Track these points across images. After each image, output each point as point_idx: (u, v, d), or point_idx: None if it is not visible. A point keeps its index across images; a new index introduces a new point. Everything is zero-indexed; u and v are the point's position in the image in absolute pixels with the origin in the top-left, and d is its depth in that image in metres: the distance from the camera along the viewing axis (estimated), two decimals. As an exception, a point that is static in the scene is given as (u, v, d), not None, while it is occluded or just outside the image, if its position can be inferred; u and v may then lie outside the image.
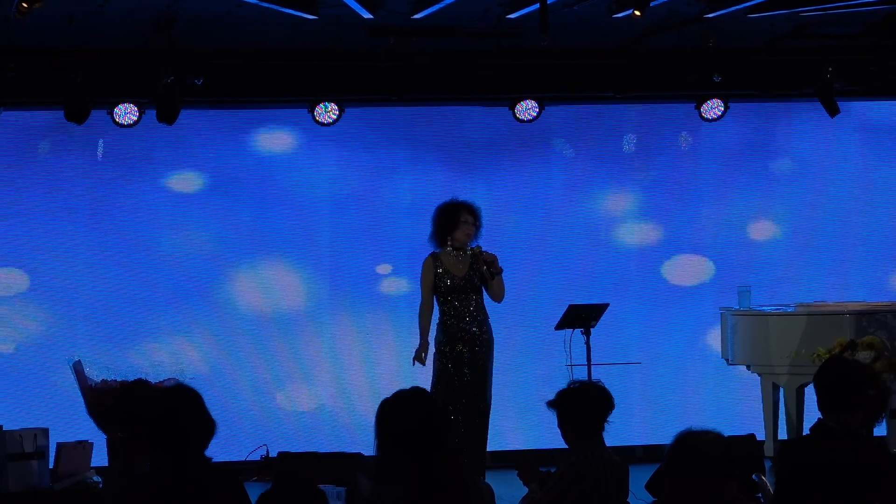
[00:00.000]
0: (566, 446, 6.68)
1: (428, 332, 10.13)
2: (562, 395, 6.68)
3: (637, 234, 12.38)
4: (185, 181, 11.89)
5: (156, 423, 5.22)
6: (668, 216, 12.40)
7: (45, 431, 10.08)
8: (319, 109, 11.55)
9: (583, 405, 6.58)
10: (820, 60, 11.85)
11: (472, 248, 10.30)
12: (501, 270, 10.32)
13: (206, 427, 5.24)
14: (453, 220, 10.40)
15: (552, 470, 6.79)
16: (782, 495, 5.81)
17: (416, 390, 5.76)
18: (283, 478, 8.82)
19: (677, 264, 12.41)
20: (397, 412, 5.54)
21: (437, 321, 10.40)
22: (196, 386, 5.48)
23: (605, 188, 12.34)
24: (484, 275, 10.30)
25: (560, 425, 6.61)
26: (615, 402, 6.63)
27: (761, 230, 12.49)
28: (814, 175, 12.58)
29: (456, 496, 5.44)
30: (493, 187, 12.06)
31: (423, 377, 10.63)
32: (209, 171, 11.92)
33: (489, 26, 11.03)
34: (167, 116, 11.00)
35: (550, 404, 6.65)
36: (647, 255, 12.38)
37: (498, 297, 10.39)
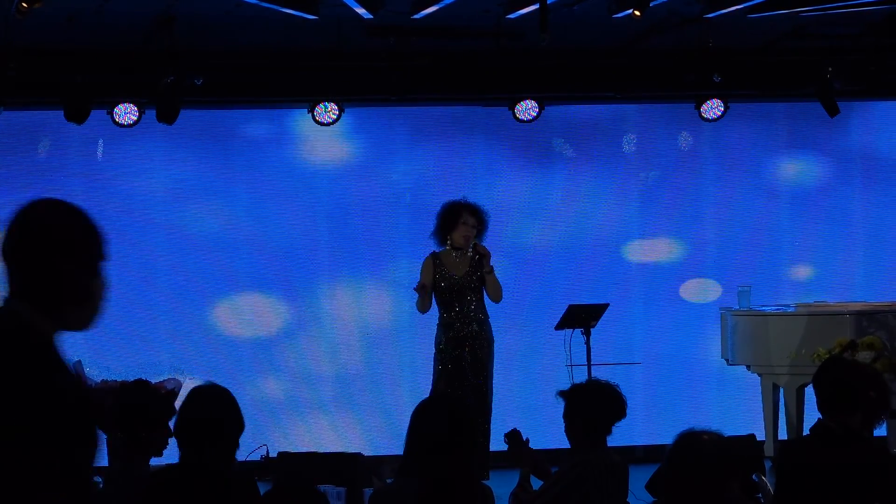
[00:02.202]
0: (568, 445, 6.65)
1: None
2: (576, 388, 6.62)
3: (637, 233, 12.37)
4: (185, 181, 11.89)
5: (193, 422, 5.31)
6: (668, 216, 12.40)
7: (46, 431, 10.06)
8: (319, 109, 11.54)
9: (593, 405, 6.51)
10: (820, 60, 11.84)
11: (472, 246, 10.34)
12: (491, 270, 10.32)
13: (238, 426, 5.35)
14: (453, 220, 10.41)
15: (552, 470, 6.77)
16: (782, 495, 5.81)
17: (453, 396, 5.79)
18: (284, 478, 8.81)
19: (678, 264, 12.41)
20: (434, 414, 5.57)
21: (438, 321, 10.41)
22: (195, 385, 5.54)
23: (604, 188, 12.34)
24: (483, 274, 10.31)
25: (565, 418, 6.54)
26: (625, 409, 6.54)
27: (762, 229, 12.49)
28: (814, 175, 12.58)
29: (466, 495, 5.47)
30: (493, 187, 12.06)
31: (425, 376, 10.64)
32: (209, 171, 11.92)
33: (489, 26, 11.03)
34: (167, 116, 11.00)
35: (562, 394, 6.59)
36: (648, 255, 12.38)
37: (494, 296, 10.39)
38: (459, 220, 10.40)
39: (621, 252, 12.34)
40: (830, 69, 11.78)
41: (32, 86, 11.02)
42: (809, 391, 8.40)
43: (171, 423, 6.06)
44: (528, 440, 6.83)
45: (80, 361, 10.18)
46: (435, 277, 10.35)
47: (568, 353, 10.80)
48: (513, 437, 6.79)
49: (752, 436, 9.77)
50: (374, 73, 11.47)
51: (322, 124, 11.61)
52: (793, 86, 12.10)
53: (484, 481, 6.89)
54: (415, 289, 10.31)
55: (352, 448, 10.33)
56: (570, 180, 12.33)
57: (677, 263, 12.41)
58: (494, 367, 10.47)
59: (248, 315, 11.95)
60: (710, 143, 12.47)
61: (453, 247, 10.42)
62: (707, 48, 11.52)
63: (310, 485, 5.00)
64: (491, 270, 10.33)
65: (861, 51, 11.92)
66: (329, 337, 12.04)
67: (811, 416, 6.60)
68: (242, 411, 5.55)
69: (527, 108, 11.80)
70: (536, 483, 6.77)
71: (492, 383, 10.41)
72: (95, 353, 11.13)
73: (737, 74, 11.82)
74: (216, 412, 5.35)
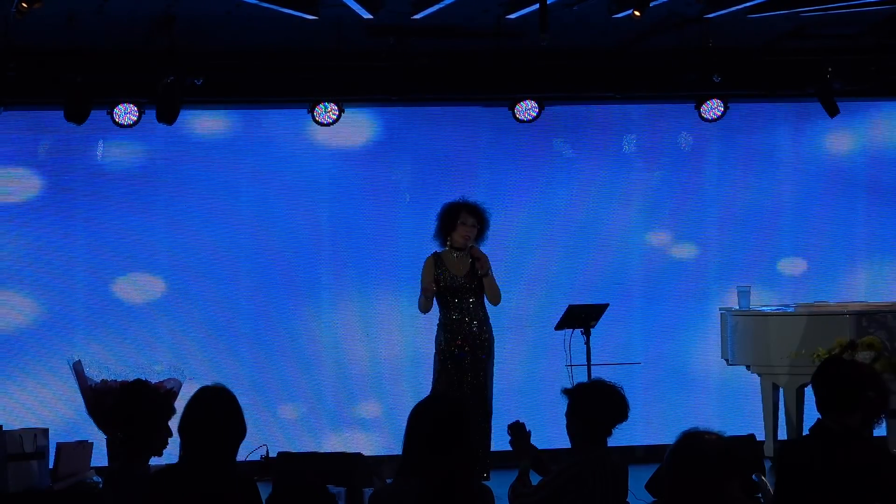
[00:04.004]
0: (569, 445, 6.65)
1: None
2: (579, 388, 6.64)
3: (637, 233, 12.37)
4: (184, 180, 11.89)
5: (194, 418, 5.33)
6: (668, 216, 12.40)
7: (45, 431, 10.08)
8: (319, 109, 11.54)
9: (595, 405, 6.52)
10: (820, 60, 11.85)
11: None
12: (487, 272, 10.31)
13: (240, 430, 5.34)
14: (452, 221, 10.41)
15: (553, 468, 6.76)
16: (782, 495, 5.81)
17: (449, 396, 5.79)
18: (284, 478, 8.81)
19: (678, 263, 12.41)
20: (431, 414, 5.59)
21: (438, 321, 10.42)
22: (195, 385, 5.55)
23: (604, 188, 12.34)
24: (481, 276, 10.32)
25: (567, 416, 6.56)
26: (627, 412, 6.55)
27: (762, 229, 12.49)
28: (814, 175, 12.59)
29: (465, 495, 5.49)
30: (493, 188, 12.05)
31: (425, 376, 10.65)
32: (208, 170, 11.92)
33: (489, 26, 11.04)
34: (167, 116, 11.01)
35: (566, 392, 6.61)
36: (648, 255, 12.38)
37: (492, 299, 10.39)
38: (458, 221, 10.40)
39: (621, 252, 12.33)
40: (830, 69, 11.78)
41: (32, 86, 11.02)
42: (809, 391, 8.41)
43: (172, 423, 6.07)
44: (529, 433, 6.83)
45: (80, 361, 10.19)
46: (436, 277, 10.35)
47: (568, 353, 10.80)
48: (516, 429, 6.79)
49: (752, 436, 9.78)
50: (374, 73, 11.46)
51: (322, 124, 11.61)
52: (793, 86, 12.10)
53: (484, 481, 6.91)
54: (423, 292, 10.32)
55: (352, 448, 10.34)
56: (569, 180, 12.32)
57: (677, 263, 12.40)
58: (495, 367, 10.47)
59: (249, 314, 11.95)
60: (710, 143, 12.47)
61: (453, 247, 10.42)
62: (707, 48, 11.52)
63: (321, 485, 5.02)
64: (487, 273, 10.33)
65: (861, 51, 11.92)
66: (330, 337, 12.04)
67: (811, 416, 6.59)
68: (244, 411, 5.56)
69: (527, 108, 11.80)
70: (535, 478, 6.78)
71: (492, 383, 10.41)
72: (95, 353, 11.14)
73: (737, 74, 11.82)
74: (219, 414, 5.37)
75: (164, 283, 11.84)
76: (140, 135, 11.59)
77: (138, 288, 11.79)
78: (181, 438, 5.45)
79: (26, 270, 11.69)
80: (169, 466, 5.49)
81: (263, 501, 5.49)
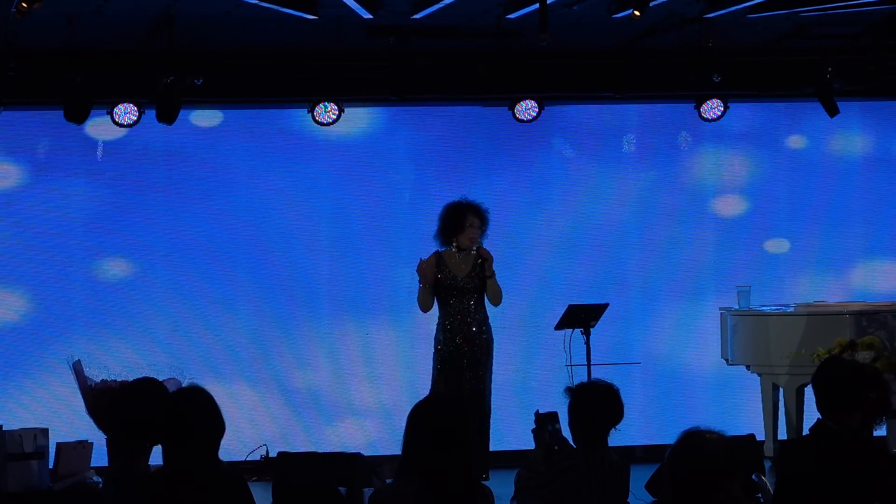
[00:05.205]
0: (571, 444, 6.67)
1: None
2: (579, 387, 6.67)
3: (636, 233, 12.37)
4: (184, 180, 11.89)
5: (171, 421, 5.32)
6: (667, 215, 12.40)
7: (45, 431, 10.08)
8: (319, 109, 11.55)
9: (591, 406, 6.55)
10: (820, 60, 11.85)
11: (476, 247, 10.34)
12: (492, 274, 10.31)
13: (218, 428, 5.32)
14: (459, 223, 10.41)
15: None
16: (782, 495, 5.82)
17: (448, 396, 5.79)
18: (284, 478, 8.81)
19: (677, 263, 12.41)
20: (430, 413, 5.60)
21: (437, 321, 10.41)
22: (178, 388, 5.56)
23: (604, 188, 12.34)
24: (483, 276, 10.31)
25: (568, 414, 6.60)
26: (623, 413, 6.57)
27: (761, 229, 12.50)
28: (813, 174, 12.58)
29: (465, 495, 5.49)
30: (493, 187, 12.05)
31: (424, 377, 10.64)
32: (207, 170, 11.92)
33: (489, 26, 11.04)
34: (167, 116, 11.01)
35: (568, 390, 6.64)
36: (647, 254, 12.38)
37: (494, 300, 10.39)
38: (465, 223, 10.40)
39: (621, 252, 12.33)
40: (830, 69, 11.79)
41: (32, 86, 11.03)
42: (809, 391, 8.41)
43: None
44: (558, 429, 6.82)
45: (80, 361, 10.19)
46: (437, 277, 10.34)
47: (568, 353, 10.80)
48: (541, 418, 6.80)
49: (752, 436, 9.78)
50: (374, 73, 11.47)
51: (322, 124, 11.61)
52: (793, 86, 12.10)
53: (484, 481, 6.91)
54: (421, 277, 10.33)
55: (352, 448, 10.33)
56: (569, 180, 12.33)
57: (677, 263, 12.40)
58: (494, 368, 10.47)
59: (247, 314, 11.95)
60: (710, 143, 12.47)
61: (458, 248, 10.42)
62: (707, 48, 11.52)
63: (332, 486, 5.02)
64: (492, 275, 10.33)
65: (861, 51, 11.92)
66: (328, 337, 12.04)
67: (811, 416, 6.60)
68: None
69: (527, 108, 11.81)
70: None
71: (491, 384, 10.41)
72: (94, 353, 11.13)
73: (737, 74, 11.82)
74: (198, 415, 5.36)
75: (162, 283, 11.84)
76: (139, 135, 11.60)
77: (137, 287, 11.79)
78: (162, 442, 5.44)
79: (23, 268, 11.69)
80: (155, 470, 5.49)
81: (269, 501, 5.49)
